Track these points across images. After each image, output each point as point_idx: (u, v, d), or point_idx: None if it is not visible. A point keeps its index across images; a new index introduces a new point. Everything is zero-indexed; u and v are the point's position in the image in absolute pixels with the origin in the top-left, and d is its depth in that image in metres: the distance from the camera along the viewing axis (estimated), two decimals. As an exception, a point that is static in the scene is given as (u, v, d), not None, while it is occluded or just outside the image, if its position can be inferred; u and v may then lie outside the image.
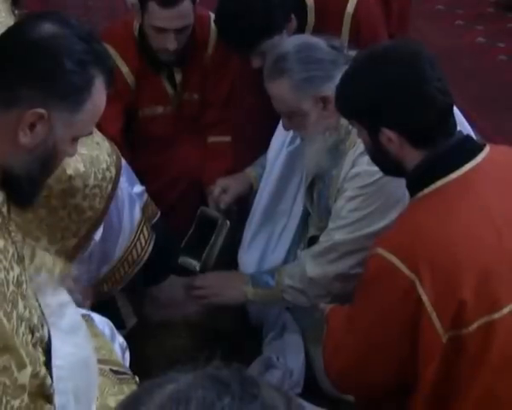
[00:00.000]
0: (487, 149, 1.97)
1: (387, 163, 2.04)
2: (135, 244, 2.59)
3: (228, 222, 2.98)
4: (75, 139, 1.71)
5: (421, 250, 1.86)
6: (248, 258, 2.92)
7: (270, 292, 2.75)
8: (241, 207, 3.11)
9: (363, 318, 2.02)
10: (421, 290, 1.84)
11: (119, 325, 2.18)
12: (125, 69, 3.05)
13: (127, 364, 2.10)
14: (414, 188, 1.99)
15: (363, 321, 2.01)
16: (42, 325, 1.75)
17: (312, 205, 2.82)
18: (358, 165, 2.50)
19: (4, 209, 1.65)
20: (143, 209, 2.68)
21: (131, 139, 3.17)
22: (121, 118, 3.08)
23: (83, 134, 1.72)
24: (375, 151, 2.03)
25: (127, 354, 2.13)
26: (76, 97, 1.64)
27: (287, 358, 2.86)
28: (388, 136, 1.94)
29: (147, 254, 2.62)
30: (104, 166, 2.40)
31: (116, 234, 2.53)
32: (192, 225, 2.99)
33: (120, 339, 2.16)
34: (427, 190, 1.94)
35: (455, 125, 1.98)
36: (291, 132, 2.76)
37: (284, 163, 2.86)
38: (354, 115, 2.05)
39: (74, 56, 1.63)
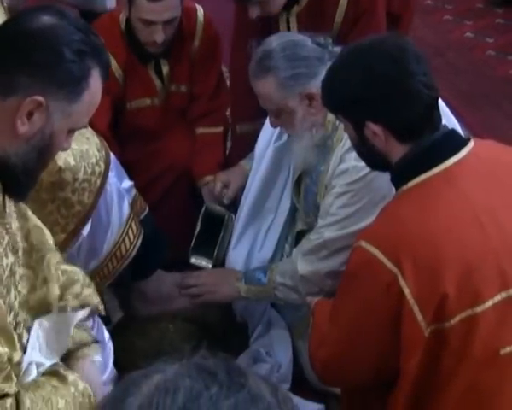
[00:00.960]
0: (472, 143, 1.98)
1: (373, 157, 2.05)
2: (123, 239, 2.59)
3: (233, 216, 3.00)
4: (71, 132, 1.73)
5: (403, 243, 1.87)
6: (236, 255, 2.93)
7: (262, 289, 2.76)
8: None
9: (346, 310, 2.03)
10: (403, 283, 1.85)
11: (104, 319, 2.18)
12: (112, 63, 3.06)
13: (110, 358, 2.10)
14: (398, 181, 2.00)
15: (346, 314, 2.03)
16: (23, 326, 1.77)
17: (299, 200, 2.83)
18: (346, 161, 2.51)
19: (0, 199, 1.66)
20: (132, 204, 2.68)
21: (119, 132, 3.17)
22: (110, 112, 3.08)
23: (78, 126, 1.74)
24: (361, 145, 2.04)
25: (109, 346, 2.13)
26: (74, 87, 1.66)
27: (275, 352, 2.88)
28: (373, 130, 1.95)
29: (135, 250, 2.63)
30: (93, 160, 2.41)
31: (104, 229, 2.53)
32: (197, 223, 3.01)
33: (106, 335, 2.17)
34: (410, 184, 1.94)
35: (440, 119, 1.98)
36: (278, 128, 2.77)
37: (271, 159, 2.87)
38: (340, 109, 2.05)
39: (73, 46, 1.64)
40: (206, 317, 3.01)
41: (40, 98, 1.62)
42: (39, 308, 1.81)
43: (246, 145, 3.11)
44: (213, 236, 2.99)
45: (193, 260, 2.99)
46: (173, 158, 3.22)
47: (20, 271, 1.75)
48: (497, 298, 1.86)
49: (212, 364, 0.96)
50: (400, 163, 1.97)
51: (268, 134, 2.88)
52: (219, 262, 2.99)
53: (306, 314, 2.44)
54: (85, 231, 2.41)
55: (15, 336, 1.64)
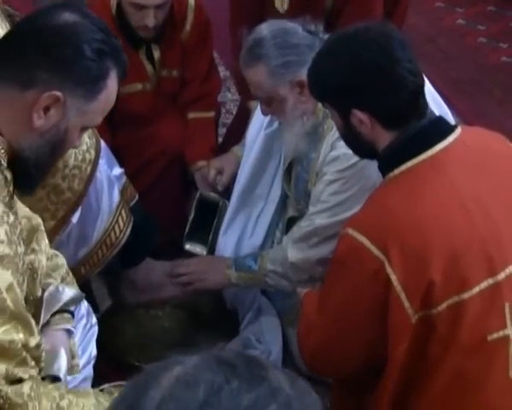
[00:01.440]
0: (459, 130, 1.98)
1: (360, 145, 2.05)
2: (113, 227, 2.59)
3: (227, 203, 3.00)
4: (83, 130, 1.75)
5: (390, 231, 1.88)
6: (226, 241, 2.93)
7: (253, 276, 2.77)
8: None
9: (334, 298, 2.03)
10: (390, 270, 1.86)
11: (92, 307, 2.18)
12: None
13: (91, 343, 2.11)
14: (385, 169, 2.01)
15: (334, 302, 2.03)
16: None
17: (290, 188, 2.83)
18: (337, 148, 2.51)
19: (11, 188, 1.69)
20: (122, 192, 2.68)
21: (111, 118, 3.16)
22: None
23: (92, 125, 1.77)
24: (348, 133, 2.04)
25: (94, 331, 2.14)
26: (92, 86, 1.69)
27: (265, 339, 2.88)
28: (359, 117, 1.95)
29: (125, 237, 2.63)
30: (84, 147, 2.41)
31: (94, 217, 2.53)
32: (191, 210, 3.02)
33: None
34: (397, 171, 1.95)
35: (426, 106, 1.99)
36: (269, 116, 2.77)
37: (262, 146, 2.87)
38: (326, 97, 2.06)
39: (93, 45, 1.67)
40: (197, 304, 3.02)
41: (58, 93, 1.64)
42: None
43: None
44: (207, 222, 2.99)
45: (187, 246, 2.99)
46: (165, 143, 3.22)
47: (26, 260, 1.78)
48: (484, 284, 1.87)
49: (231, 356, 0.95)
50: (387, 151, 1.97)
51: (259, 121, 2.88)
52: (213, 249, 3.00)
53: (297, 302, 2.45)
54: (75, 218, 2.42)
55: (33, 322, 1.66)
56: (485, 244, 1.88)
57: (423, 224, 1.87)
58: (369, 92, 1.93)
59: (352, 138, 2.04)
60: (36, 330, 1.66)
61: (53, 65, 1.64)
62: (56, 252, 2.05)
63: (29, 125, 1.65)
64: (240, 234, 2.93)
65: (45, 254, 1.94)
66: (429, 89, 2.63)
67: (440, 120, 2.02)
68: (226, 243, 2.93)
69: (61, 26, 1.66)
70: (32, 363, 1.65)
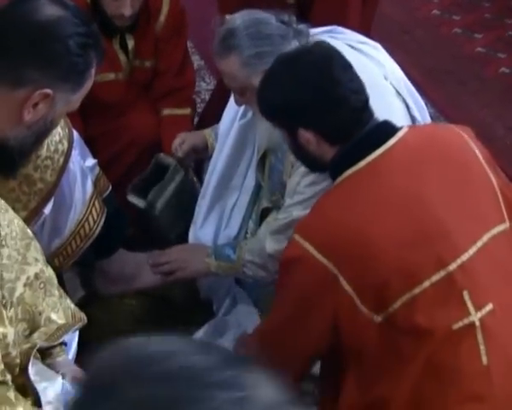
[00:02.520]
0: (402, 131, 2.04)
1: (311, 161, 2.14)
2: (87, 218, 2.58)
3: (182, 171, 2.99)
4: (64, 114, 1.83)
5: (334, 238, 1.94)
6: (203, 234, 2.93)
7: (231, 266, 2.77)
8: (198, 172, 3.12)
9: (284, 299, 2.09)
10: (337, 277, 1.91)
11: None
12: None
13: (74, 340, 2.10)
14: (332, 177, 2.08)
15: (284, 301, 2.09)
16: None
17: (264, 178, 2.83)
18: None
19: None
20: (95, 183, 2.67)
21: (82, 106, 3.13)
22: None
23: (73, 109, 1.83)
24: (298, 151, 2.13)
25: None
26: (79, 79, 1.74)
27: (242, 326, 2.88)
28: (305, 136, 2.03)
29: (99, 228, 2.62)
30: (57, 138, 2.39)
31: (67, 208, 2.52)
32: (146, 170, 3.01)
33: None
34: (339, 179, 2.03)
35: (370, 116, 2.05)
36: (242, 106, 2.76)
37: (236, 137, 2.87)
38: (273, 118, 2.14)
39: (78, 40, 1.70)
40: (171, 293, 3.01)
41: (49, 91, 1.67)
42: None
43: None
44: (158, 182, 2.97)
45: (129, 197, 2.96)
46: (136, 133, 3.21)
47: (5, 251, 1.74)
48: (436, 277, 1.92)
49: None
50: (332, 161, 2.05)
51: (232, 112, 2.88)
52: (156, 211, 2.94)
53: (273, 290, 2.46)
54: (47, 209, 2.40)
55: (4, 313, 1.64)
56: (430, 239, 1.93)
57: (361, 230, 1.93)
58: (312, 113, 2.01)
59: (303, 156, 2.13)
60: (7, 321, 1.64)
61: (42, 64, 1.67)
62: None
63: (18, 119, 1.69)
64: (216, 226, 2.93)
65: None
66: (403, 78, 2.65)
67: (383, 125, 2.07)
68: (204, 236, 2.93)
69: (44, 22, 1.68)
70: None
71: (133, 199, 2.95)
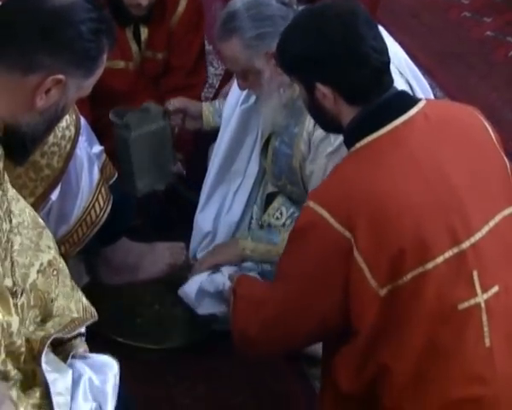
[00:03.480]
0: (422, 103, 2.01)
1: (325, 119, 2.09)
2: (93, 205, 2.59)
3: (167, 121, 3.02)
4: (76, 100, 1.81)
5: (351, 204, 1.91)
6: (203, 218, 2.92)
7: (271, 248, 2.74)
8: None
9: (294, 270, 2.04)
10: (351, 244, 1.89)
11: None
12: None
13: None
14: (348, 143, 2.04)
15: (293, 273, 2.04)
16: None
17: (267, 162, 2.82)
18: None
19: (1, 164, 1.70)
20: (101, 170, 2.67)
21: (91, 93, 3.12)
22: None
23: (85, 95, 1.81)
24: (313, 107, 2.09)
25: None
26: (91, 64, 1.74)
27: None
28: (323, 91, 1.99)
29: (105, 215, 2.62)
30: (64, 124, 2.40)
31: (74, 194, 2.53)
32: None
33: None
34: (358, 145, 1.99)
35: (391, 82, 2.02)
36: (245, 91, 2.75)
37: (238, 122, 2.86)
38: (292, 70, 2.10)
39: (91, 25, 1.70)
40: (178, 278, 3.01)
41: (61, 77, 1.67)
42: None
43: None
44: None
45: (110, 115, 2.97)
46: None
47: (17, 239, 1.76)
48: (449, 254, 1.90)
49: None
50: (350, 125, 2.02)
51: (235, 96, 2.87)
52: (130, 133, 2.93)
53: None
54: (54, 195, 2.41)
55: (11, 302, 1.65)
56: (447, 214, 1.91)
57: (383, 196, 1.90)
58: (332, 67, 1.97)
59: (318, 112, 2.09)
60: (13, 310, 1.65)
61: (54, 49, 1.67)
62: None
63: (30, 106, 1.68)
64: (217, 210, 2.92)
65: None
66: (405, 59, 2.64)
67: (402, 94, 2.06)
68: (204, 219, 2.92)
69: (56, 7, 1.68)
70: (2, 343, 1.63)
71: (113, 117, 2.96)
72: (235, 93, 2.86)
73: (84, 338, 1.90)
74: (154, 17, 3.10)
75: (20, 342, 1.63)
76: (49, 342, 1.69)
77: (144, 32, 3.14)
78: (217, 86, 3.76)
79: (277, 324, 2.10)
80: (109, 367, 1.76)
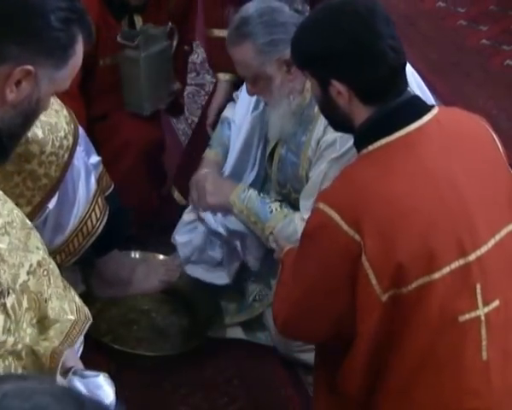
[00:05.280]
0: (435, 110, 1.99)
1: (337, 117, 2.06)
2: (89, 215, 2.58)
3: (169, 41, 3.15)
4: (52, 94, 1.78)
5: (361, 207, 1.88)
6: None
7: (257, 221, 2.71)
8: None
9: (305, 271, 2.04)
10: (359, 247, 1.87)
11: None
12: None
13: None
14: (360, 144, 2.01)
15: (305, 274, 2.04)
16: None
17: (272, 170, 2.81)
18: (330, 131, 2.48)
19: None
20: (98, 180, 2.67)
21: (92, 89, 3.15)
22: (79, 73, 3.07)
23: (62, 89, 1.78)
24: (326, 105, 2.05)
25: None
26: (62, 54, 1.69)
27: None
28: (338, 89, 1.95)
29: (101, 226, 2.61)
30: (62, 134, 2.39)
31: (71, 204, 2.52)
32: None
33: None
34: (371, 147, 1.95)
35: (405, 84, 1.99)
36: (254, 97, 2.75)
37: (248, 129, 2.85)
38: (306, 65, 2.06)
39: (60, 14, 1.66)
40: (175, 284, 3.02)
41: (30, 67, 1.64)
42: None
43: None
44: None
45: (118, 38, 3.07)
46: (132, 134, 3.20)
47: (5, 239, 1.71)
48: (455, 265, 1.88)
49: (85, 398, 0.90)
50: (362, 126, 1.98)
51: (245, 104, 2.86)
52: (140, 52, 3.07)
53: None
54: (51, 204, 2.40)
55: None
56: (456, 225, 1.89)
57: (394, 202, 1.88)
58: (349, 64, 1.93)
59: (330, 110, 2.05)
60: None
61: (22, 39, 1.64)
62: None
63: (1, 99, 1.64)
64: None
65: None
66: (412, 72, 2.64)
67: (417, 99, 2.02)
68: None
69: None
70: None
71: (122, 40, 3.07)
72: (245, 100, 2.85)
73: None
74: (148, 7, 3.12)
75: (11, 339, 1.62)
76: (61, 360, 1.68)
77: (139, 21, 3.15)
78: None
79: (295, 321, 2.11)
80: (106, 396, 1.74)
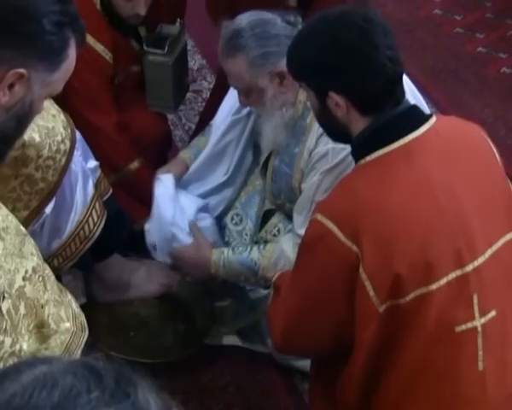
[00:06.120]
0: (433, 119, 1.98)
1: (334, 128, 2.05)
2: (87, 220, 2.57)
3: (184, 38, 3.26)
4: (46, 97, 1.78)
5: (359, 218, 1.88)
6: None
7: (252, 279, 2.73)
8: None
9: (303, 282, 2.04)
10: (357, 258, 1.86)
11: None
12: (99, 48, 3.02)
13: None
14: (357, 155, 2.00)
15: (303, 285, 2.04)
16: None
17: (266, 181, 2.81)
18: (322, 143, 2.49)
19: None
20: (96, 185, 2.66)
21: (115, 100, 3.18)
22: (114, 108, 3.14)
23: (55, 93, 1.79)
24: (323, 115, 2.04)
25: None
26: (55, 58, 1.70)
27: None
28: (335, 100, 1.94)
29: (98, 231, 2.61)
30: (59, 138, 2.39)
31: (68, 208, 2.51)
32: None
33: None
34: (369, 158, 1.95)
35: (403, 94, 1.98)
36: (237, 102, 2.73)
37: (224, 131, 2.86)
38: (304, 77, 2.05)
39: (52, 18, 1.67)
40: (172, 291, 3.01)
41: (23, 71, 1.64)
42: None
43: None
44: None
45: (146, 47, 3.14)
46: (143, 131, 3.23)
47: (0, 245, 1.74)
48: (452, 276, 1.88)
49: (102, 367, 0.91)
50: (360, 136, 1.97)
51: (229, 105, 2.86)
52: (170, 60, 3.14)
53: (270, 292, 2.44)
54: (48, 208, 2.40)
55: None
56: (454, 235, 1.89)
57: (393, 213, 1.87)
58: (347, 76, 1.92)
59: (328, 121, 2.04)
60: None
61: (15, 43, 1.64)
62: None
63: None
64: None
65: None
66: (406, 79, 2.63)
67: (415, 108, 2.02)
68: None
69: (18, 1, 1.66)
70: None
71: (149, 47, 3.13)
72: (228, 103, 2.86)
73: None
74: (149, 14, 3.12)
75: (9, 339, 1.61)
76: None
77: (142, 31, 3.19)
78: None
79: (293, 335, 2.10)
80: None
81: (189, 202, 2.89)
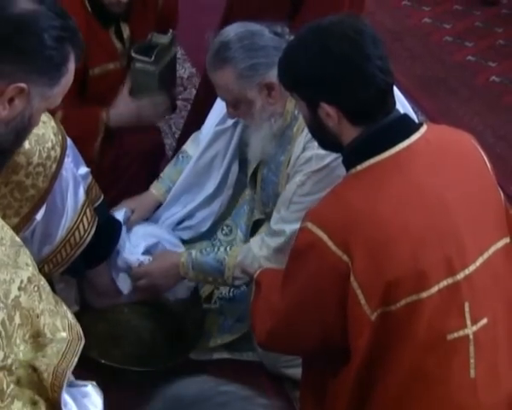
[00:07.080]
0: (423, 128, 1.99)
1: (325, 137, 2.06)
2: (78, 226, 2.56)
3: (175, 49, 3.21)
4: (44, 111, 1.80)
5: (350, 228, 1.89)
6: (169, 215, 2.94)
7: (219, 280, 2.73)
8: None
9: (293, 288, 2.05)
10: (348, 267, 1.87)
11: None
12: None
13: None
14: (348, 164, 2.01)
15: (293, 291, 2.05)
16: None
17: (256, 191, 2.81)
18: (309, 149, 2.50)
19: None
20: (87, 192, 2.65)
21: (84, 100, 3.15)
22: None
23: (53, 106, 1.80)
24: (314, 125, 2.05)
25: None
26: (54, 73, 1.71)
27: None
28: (327, 111, 1.96)
29: (89, 237, 2.59)
30: (49, 145, 2.38)
31: (59, 215, 2.51)
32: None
33: None
34: (359, 167, 1.96)
35: (394, 104, 2.00)
36: (223, 112, 2.74)
37: (209, 141, 2.87)
38: (294, 88, 2.06)
39: (53, 33, 1.68)
40: (162, 296, 3.00)
41: (23, 85, 1.65)
42: None
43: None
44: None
45: (134, 54, 3.09)
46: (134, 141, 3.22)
47: None
48: (443, 284, 1.89)
49: None
50: (351, 146, 1.98)
51: (214, 117, 2.87)
52: (157, 68, 3.08)
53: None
54: (39, 215, 2.39)
55: None
56: (445, 244, 1.90)
57: (383, 222, 1.88)
58: (338, 87, 1.94)
59: (318, 131, 2.05)
60: None
61: (16, 57, 1.65)
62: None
63: None
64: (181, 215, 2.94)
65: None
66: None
67: (405, 118, 2.03)
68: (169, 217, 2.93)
69: (18, 16, 1.66)
70: None
71: (137, 55, 3.09)
72: (215, 113, 2.86)
73: None
74: (134, 13, 3.12)
75: (1, 353, 1.61)
76: (65, 381, 1.67)
77: (126, 30, 3.16)
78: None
79: (281, 335, 2.11)
80: (94, 404, 1.73)
81: (138, 240, 2.88)
